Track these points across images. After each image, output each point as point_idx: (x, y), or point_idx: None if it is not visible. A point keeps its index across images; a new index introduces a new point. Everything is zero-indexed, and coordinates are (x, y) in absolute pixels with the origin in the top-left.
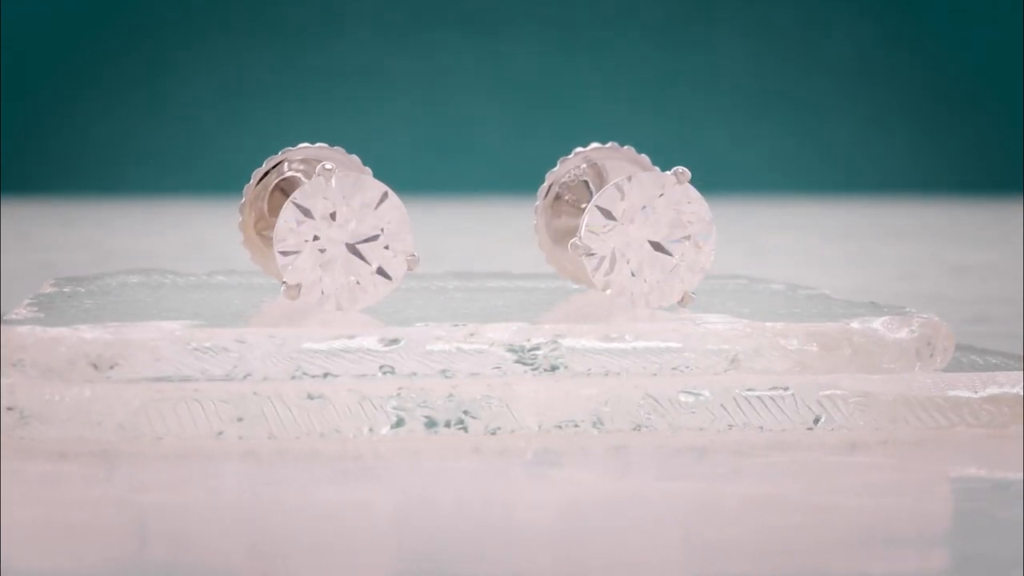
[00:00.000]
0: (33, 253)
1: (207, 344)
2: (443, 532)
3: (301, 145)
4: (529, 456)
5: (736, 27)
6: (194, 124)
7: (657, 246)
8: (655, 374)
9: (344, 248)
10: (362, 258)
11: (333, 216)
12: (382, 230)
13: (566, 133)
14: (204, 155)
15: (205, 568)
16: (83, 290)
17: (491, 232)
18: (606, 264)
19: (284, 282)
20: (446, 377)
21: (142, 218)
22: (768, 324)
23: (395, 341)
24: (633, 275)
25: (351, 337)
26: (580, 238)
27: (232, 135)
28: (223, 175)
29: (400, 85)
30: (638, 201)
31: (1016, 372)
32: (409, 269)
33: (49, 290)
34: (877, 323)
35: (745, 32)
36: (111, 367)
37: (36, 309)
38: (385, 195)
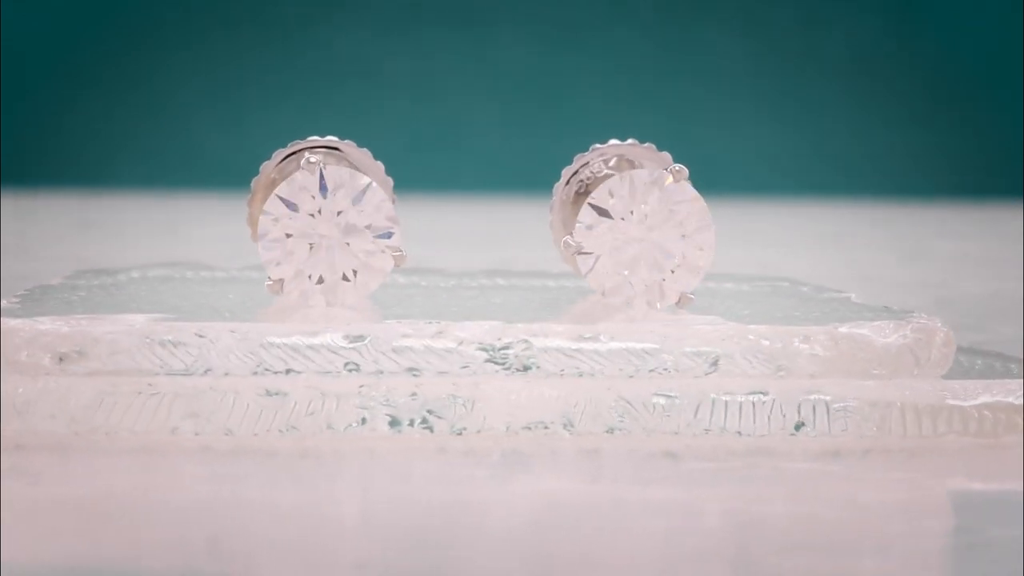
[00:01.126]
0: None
1: (167, 338)
2: (404, 534)
3: (311, 138)
4: (496, 458)
5: (734, 25)
6: (185, 121)
7: (653, 246)
8: (631, 376)
9: (329, 243)
10: (348, 253)
11: (319, 211)
12: (368, 225)
13: (561, 130)
14: (196, 152)
15: (158, 566)
16: (96, 283)
17: (486, 229)
18: (599, 264)
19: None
20: (414, 376)
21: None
22: (751, 327)
23: (360, 338)
24: (627, 275)
25: (314, 333)
26: (572, 236)
27: (224, 132)
28: (212, 171)
29: (394, 82)
30: (633, 199)
31: (1011, 380)
32: (396, 265)
33: (55, 283)
34: (867, 327)
35: (743, 31)
36: (66, 360)
37: (18, 301)
38: (371, 189)
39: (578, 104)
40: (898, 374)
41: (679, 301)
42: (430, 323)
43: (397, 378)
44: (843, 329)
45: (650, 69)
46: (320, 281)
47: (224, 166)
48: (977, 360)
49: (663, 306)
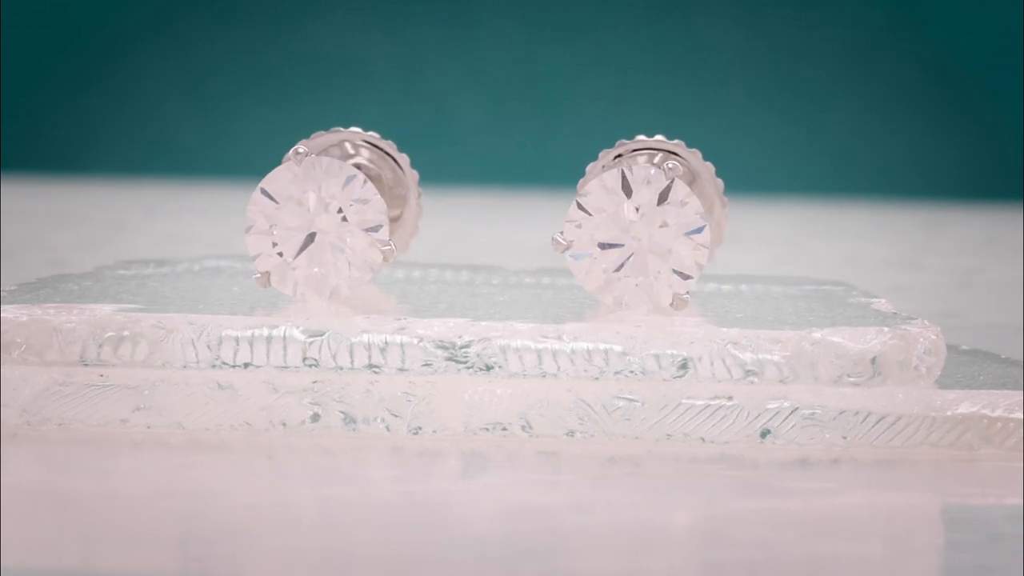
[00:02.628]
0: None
1: (124, 331)
2: (359, 533)
3: (334, 129)
4: (453, 459)
5: (730, 17)
6: (161, 112)
7: (645, 245)
8: (596, 378)
9: (317, 236)
10: (336, 247)
11: (306, 202)
12: (356, 218)
13: (553, 124)
14: (170, 143)
15: (105, 562)
16: (126, 272)
17: (475, 223)
18: (589, 263)
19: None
20: (374, 372)
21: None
22: (722, 330)
23: (319, 333)
24: (618, 275)
25: (273, 326)
26: (561, 234)
27: (201, 124)
28: (197, 164)
29: (379, 73)
30: (624, 196)
31: (994, 391)
32: (384, 260)
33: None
34: (844, 333)
35: (740, 23)
36: (24, 349)
37: (15, 290)
38: (362, 183)
39: (570, 97)
40: (876, 382)
41: (673, 302)
42: (399, 319)
43: (350, 374)
44: (816, 334)
45: (644, 62)
46: (309, 275)
47: (210, 160)
48: (993, 366)
49: (657, 307)
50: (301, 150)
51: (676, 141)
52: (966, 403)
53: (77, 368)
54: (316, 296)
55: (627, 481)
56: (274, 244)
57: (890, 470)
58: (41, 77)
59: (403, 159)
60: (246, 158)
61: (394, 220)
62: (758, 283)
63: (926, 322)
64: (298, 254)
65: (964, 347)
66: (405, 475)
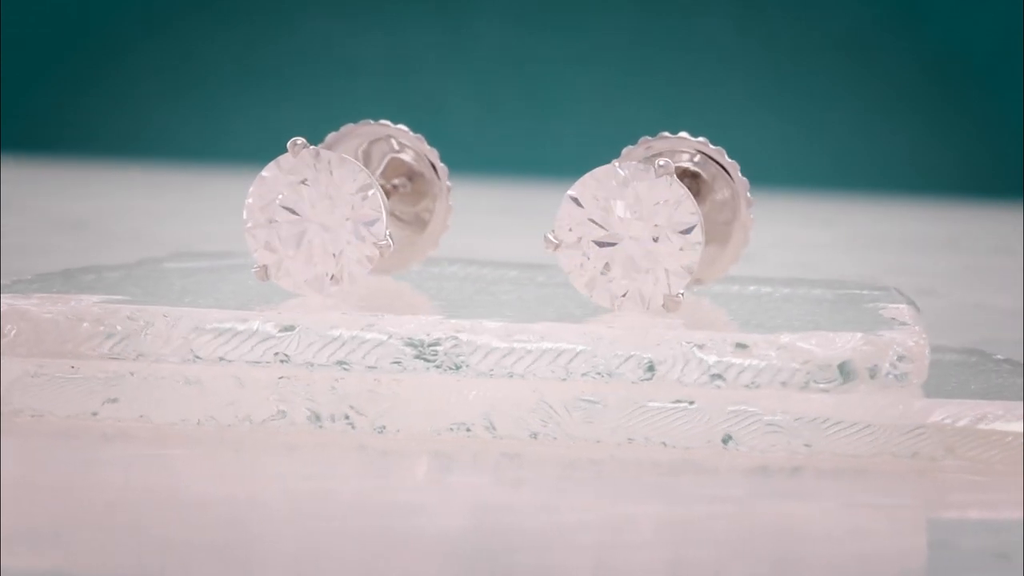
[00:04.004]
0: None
1: (100, 325)
2: (324, 532)
3: (381, 122)
4: (418, 459)
5: (728, 10)
6: (154, 106)
7: (635, 245)
8: (564, 379)
9: (315, 230)
10: (333, 241)
11: (306, 196)
12: (354, 212)
13: (546, 118)
14: (155, 143)
15: (66, 557)
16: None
17: (467, 217)
18: (580, 262)
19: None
20: (344, 369)
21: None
22: (690, 332)
23: (290, 327)
24: (608, 275)
25: (245, 320)
26: (553, 233)
27: (194, 120)
28: (181, 156)
29: (365, 66)
30: (616, 195)
31: (964, 401)
32: (381, 255)
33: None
34: (815, 337)
35: (738, 16)
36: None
37: (31, 281)
38: (362, 180)
39: (565, 93)
40: (847, 388)
41: (664, 303)
42: (373, 315)
43: (316, 371)
44: (784, 338)
45: (640, 57)
46: (306, 268)
47: (204, 155)
48: (992, 372)
49: (648, 308)
50: (299, 141)
51: (700, 139)
52: (936, 413)
53: (47, 359)
54: (313, 291)
55: (588, 483)
56: (272, 237)
57: (852, 479)
58: (38, 76)
59: (433, 154)
60: (240, 153)
61: (425, 218)
62: (788, 286)
63: (916, 328)
64: (296, 248)
65: (999, 356)
66: (370, 472)
